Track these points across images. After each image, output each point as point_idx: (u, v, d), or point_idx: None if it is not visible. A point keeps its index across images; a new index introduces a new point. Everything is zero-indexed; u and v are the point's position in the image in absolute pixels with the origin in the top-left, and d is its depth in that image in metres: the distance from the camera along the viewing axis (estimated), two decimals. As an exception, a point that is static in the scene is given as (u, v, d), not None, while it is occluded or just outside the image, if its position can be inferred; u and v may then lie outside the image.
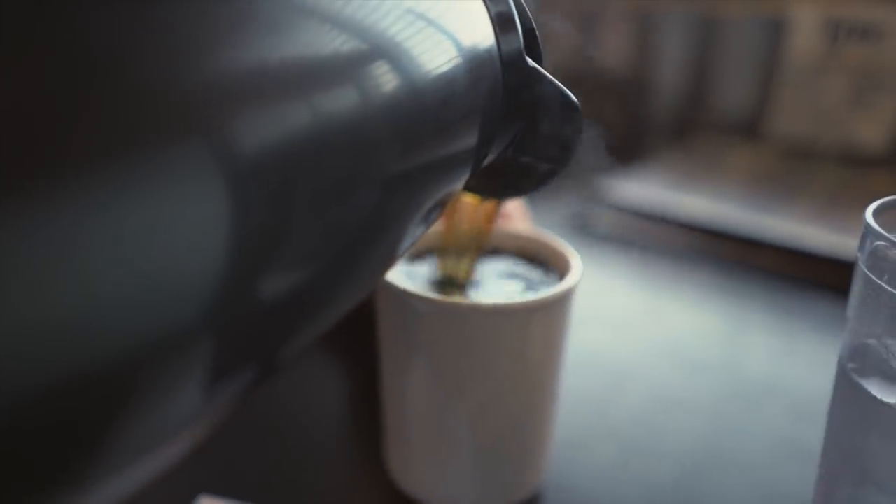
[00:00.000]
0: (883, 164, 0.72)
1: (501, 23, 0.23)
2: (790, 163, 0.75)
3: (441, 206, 0.21)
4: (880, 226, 0.23)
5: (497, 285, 0.29)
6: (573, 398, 0.39)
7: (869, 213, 0.23)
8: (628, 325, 0.47)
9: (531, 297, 0.27)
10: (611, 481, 0.33)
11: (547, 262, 0.31)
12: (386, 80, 0.16)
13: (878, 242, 0.21)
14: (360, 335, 0.44)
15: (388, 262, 0.19)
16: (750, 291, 0.52)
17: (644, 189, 0.66)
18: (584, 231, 0.63)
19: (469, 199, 0.37)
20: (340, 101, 0.15)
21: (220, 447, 0.34)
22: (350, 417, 0.37)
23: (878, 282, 0.22)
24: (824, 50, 0.75)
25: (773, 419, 0.38)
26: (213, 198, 0.13)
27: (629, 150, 0.91)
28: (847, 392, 0.24)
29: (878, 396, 0.23)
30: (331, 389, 0.40)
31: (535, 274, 0.30)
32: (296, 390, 0.40)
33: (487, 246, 0.33)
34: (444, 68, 0.19)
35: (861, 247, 0.23)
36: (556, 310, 0.28)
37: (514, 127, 0.24)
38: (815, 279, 0.53)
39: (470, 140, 0.20)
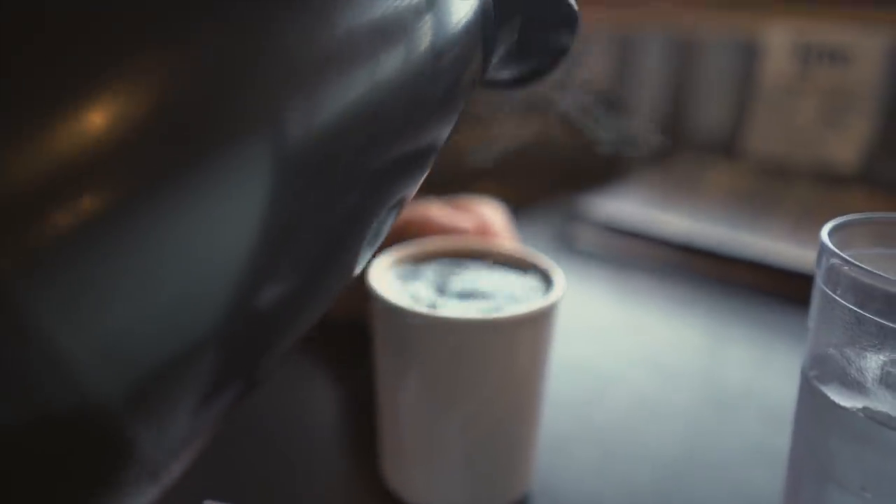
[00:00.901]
0: (855, 181, 0.75)
1: None
2: (765, 180, 0.78)
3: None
4: (838, 243, 0.25)
5: (484, 299, 0.31)
6: (558, 405, 0.41)
7: (825, 233, 0.25)
8: (610, 337, 0.49)
9: (518, 310, 0.29)
10: (594, 483, 0.35)
11: (531, 277, 0.33)
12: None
13: (833, 260, 0.24)
14: (356, 345, 0.46)
15: (372, 239, 0.19)
16: (726, 305, 0.54)
17: (624, 207, 0.68)
18: (568, 248, 0.65)
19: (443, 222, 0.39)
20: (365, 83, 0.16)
21: (222, 454, 0.36)
22: (347, 426, 0.39)
23: (833, 296, 0.24)
24: (796, 72, 0.78)
25: (746, 424, 0.40)
26: (262, 190, 0.14)
27: (608, 169, 0.94)
28: (809, 398, 0.27)
29: (837, 401, 0.25)
30: (329, 399, 0.41)
31: (521, 288, 0.32)
32: (295, 400, 0.41)
33: (474, 260, 0.35)
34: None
35: (818, 263, 0.25)
36: (542, 322, 0.30)
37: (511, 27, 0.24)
38: (788, 294, 0.56)
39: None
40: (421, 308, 0.29)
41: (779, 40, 0.79)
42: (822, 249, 0.25)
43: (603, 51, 1.00)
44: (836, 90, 0.76)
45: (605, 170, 0.94)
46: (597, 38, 1.00)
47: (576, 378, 0.44)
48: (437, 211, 0.41)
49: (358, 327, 0.47)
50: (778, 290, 0.56)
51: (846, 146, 0.76)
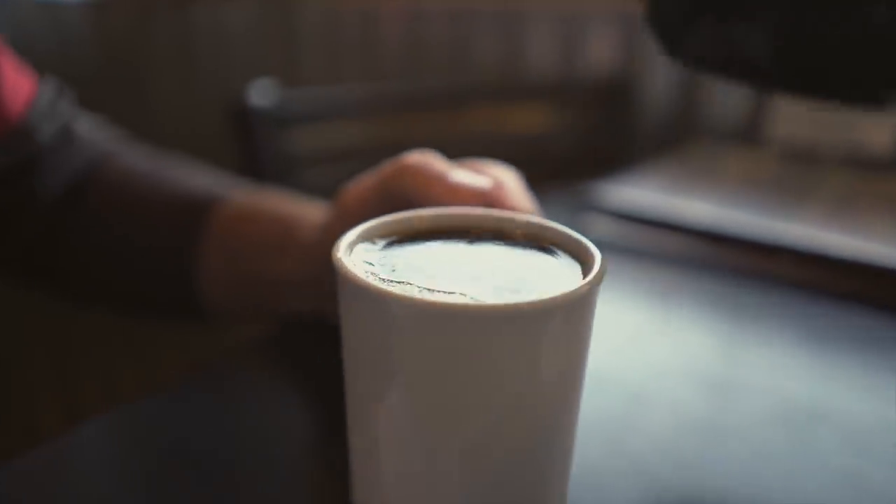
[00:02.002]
0: (892, 166, 0.67)
1: None
2: (792, 167, 0.71)
3: None
4: None
5: (499, 282, 0.22)
6: (582, 427, 0.32)
7: None
8: (639, 343, 0.40)
9: (546, 295, 0.20)
10: (640, 532, 0.26)
11: (561, 257, 0.24)
12: None
13: None
14: (326, 349, 0.37)
15: None
16: (768, 302, 0.46)
17: (641, 195, 0.60)
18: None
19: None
20: None
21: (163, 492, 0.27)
22: (312, 456, 0.30)
23: None
24: (826, 47, 0.70)
25: (821, 446, 0.32)
26: None
27: (619, 157, 0.86)
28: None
29: None
30: (290, 420, 0.33)
31: (548, 271, 0.23)
32: (252, 420, 0.33)
33: (489, 232, 0.26)
34: None
35: None
36: (577, 312, 0.21)
37: None
38: (843, 289, 0.47)
39: None
40: (410, 292, 0.20)
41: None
42: None
43: (609, 31, 0.92)
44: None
45: (615, 157, 0.86)
46: (603, 17, 0.92)
47: (602, 394, 0.35)
48: (443, 165, 0.31)
49: (331, 328, 0.38)
50: (830, 285, 0.48)
51: (881, 129, 0.68)
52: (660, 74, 0.89)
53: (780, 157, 0.74)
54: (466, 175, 0.30)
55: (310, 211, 0.39)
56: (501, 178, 0.32)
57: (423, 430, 0.22)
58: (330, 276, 0.22)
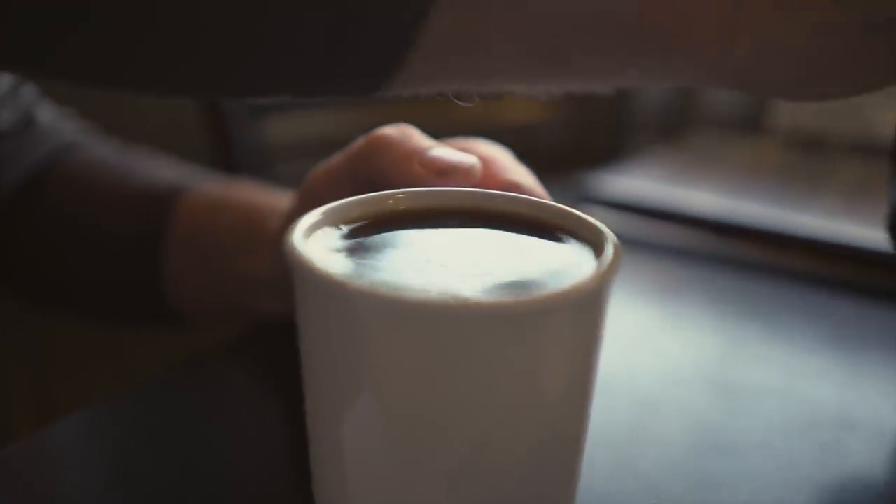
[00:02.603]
0: (903, 156, 0.64)
1: None
2: (797, 156, 0.67)
3: None
4: None
5: (496, 275, 0.18)
6: (590, 440, 0.28)
7: None
8: (648, 346, 0.37)
9: (552, 289, 0.16)
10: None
11: (570, 244, 0.20)
12: None
13: None
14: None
15: None
16: (783, 297, 0.42)
17: (642, 185, 0.56)
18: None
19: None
20: None
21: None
22: (275, 477, 0.27)
23: None
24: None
25: (853, 458, 0.28)
26: None
27: (617, 146, 0.83)
28: None
29: None
30: (252, 439, 0.29)
31: (555, 260, 0.20)
32: (206, 435, 0.29)
33: (479, 215, 0.22)
34: None
35: None
36: (587, 308, 0.18)
37: None
38: (858, 282, 0.44)
39: None
40: (378, 285, 0.16)
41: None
42: None
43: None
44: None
45: (612, 147, 0.83)
46: None
47: (608, 402, 0.31)
48: (421, 139, 0.27)
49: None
50: (850, 279, 0.44)
51: (892, 113, 0.65)
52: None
53: (784, 145, 0.70)
54: (449, 151, 0.26)
55: (281, 200, 0.36)
56: (492, 154, 0.27)
57: (401, 450, 0.18)
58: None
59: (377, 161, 0.26)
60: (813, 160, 0.66)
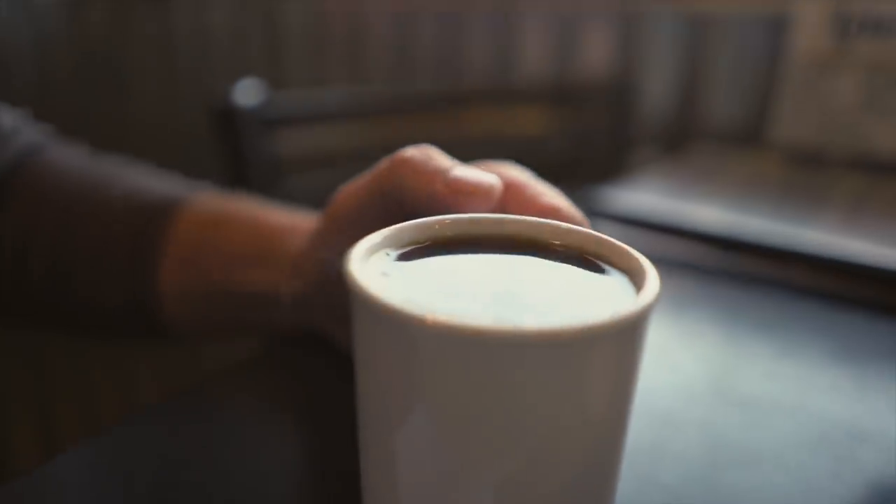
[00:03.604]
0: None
1: None
2: (797, 171, 0.68)
3: None
4: None
5: (538, 304, 0.19)
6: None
7: None
8: (663, 361, 0.38)
9: (593, 320, 0.17)
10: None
11: (609, 275, 0.22)
12: None
13: None
14: (321, 367, 0.34)
15: None
16: (789, 312, 0.44)
17: (646, 199, 0.57)
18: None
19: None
20: None
21: None
22: (319, 481, 0.27)
23: None
24: (832, 47, 0.68)
25: (868, 469, 0.29)
26: None
27: (618, 160, 0.84)
28: None
29: None
30: (282, 457, 0.30)
31: (594, 290, 0.21)
32: (234, 461, 0.29)
33: (524, 242, 0.23)
34: None
35: None
36: (629, 337, 0.19)
37: None
38: (861, 296, 0.45)
39: None
40: (439, 315, 0.17)
41: (812, 11, 0.69)
42: None
43: (607, 32, 0.90)
44: (879, 67, 0.66)
45: (611, 161, 0.84)
46: (600, 18, 0.90)
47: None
48: (445, 160, 0.27)
49: (320, 343, 0.35)
50: (852, 293, 0.45)
51: (890, 131, 0.66)
52: (658, 76, 0.87)
53: (784, 160, 0.71)
54: (470, 171, 0.26)
55: (295, 218, 0.36)
56: (519, 177, 0.28)
57: (449, 466, 0.19)
58: (327, 290, 0.19)
59: (401, 181, 0.27)
60: (811, 175, 0.67)
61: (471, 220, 0.23)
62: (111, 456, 0.29)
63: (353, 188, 0.29)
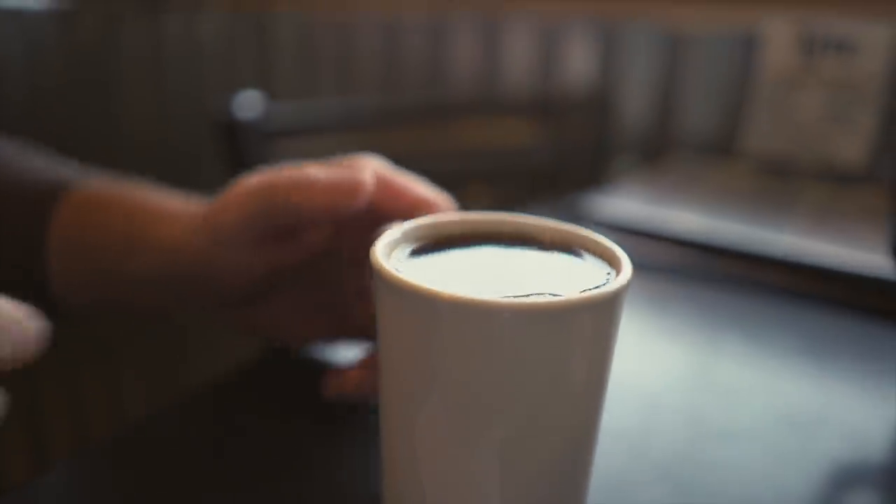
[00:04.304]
0: (862, 180, 0.70)
1: None
2: (766, 181, 0.73)
3: None
4: None
5: (532, 284, 0.23)
6: (607, 434, 0.33)
7: None
8: (646, 350, 0.41)
9: (582, 295, 0.21)
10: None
11: (589, 261, 0.26)
12: None
13: None
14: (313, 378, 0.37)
15: None
16: (762, 310, 0.47)
17: (628, 206, 0.61)
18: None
19: None
20: None
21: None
22: (338, 456, 0.30)
23: None
24: (798, 64, 0.73)
25: (828, 446, 0.33)
26: None
27: (598, 170, 0.88)
28: None
29: None
30: (289, 454, 0.33)
31: (577, 273, 0.25)
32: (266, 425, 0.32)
33: (517, 237, 0.27)
34: None
35: None
36: (607, 312, 0.22)
37: None
38: (832, 297, 0.49)
39: None
40: (458, 292, 0.21)
41: (780, 31, 0.74)
42: None
43: (586, 47, 0.94)
44: (842, 83, 0.71)
45: (592, 171, 0.88)
46: (579, 32, 0.94)
47: (620, 401, 0.36)
48: (310, 169, 0.31)
49: (307, 357, 0.38)
50: (819, 293, 0.49)
51: (853, 144, 0.71)
52: (636, 90, 0.91)
53: (756, 170, 0.76)
54: (338, 172, 0.31)
55: (171, 203, 0.36)
56: (380, 171, 0.32)
57: (462, 424, 0.22)
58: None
59: (275, 204, 0.31)
60: (781, 184, 0.71)
61: (471, 220, 0.27)
62: (103, 468, 0.31)
63: (232, 206, 0.32)
